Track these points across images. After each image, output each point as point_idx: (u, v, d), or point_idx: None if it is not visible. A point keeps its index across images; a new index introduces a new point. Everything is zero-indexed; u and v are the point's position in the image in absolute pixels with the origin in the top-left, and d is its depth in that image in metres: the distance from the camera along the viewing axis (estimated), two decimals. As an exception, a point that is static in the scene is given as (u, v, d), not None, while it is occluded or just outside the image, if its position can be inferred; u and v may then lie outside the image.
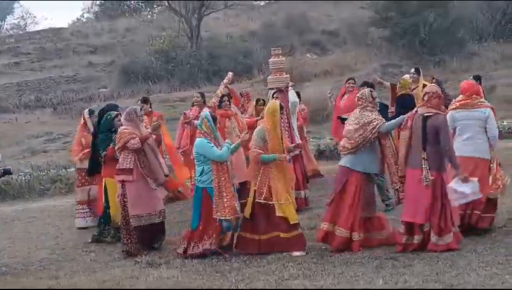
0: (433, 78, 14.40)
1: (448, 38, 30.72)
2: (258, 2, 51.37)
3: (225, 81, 12.47)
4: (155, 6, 46.92)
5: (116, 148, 9.56)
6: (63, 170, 16.98)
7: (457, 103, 9.10)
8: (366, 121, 8.63)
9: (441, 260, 7.83)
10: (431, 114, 8.32)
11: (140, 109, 10.24)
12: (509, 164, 11.40)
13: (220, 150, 8.83)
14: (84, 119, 11.94)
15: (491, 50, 30.59)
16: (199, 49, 34.17)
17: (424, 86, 11.10)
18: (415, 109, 8.69)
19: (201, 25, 35.88)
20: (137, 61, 34.02)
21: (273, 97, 11.19)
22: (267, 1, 50.83)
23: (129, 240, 9.43)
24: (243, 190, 11.12)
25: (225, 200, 8.76)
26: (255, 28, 39.34)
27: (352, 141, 8.65)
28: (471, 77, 14.11)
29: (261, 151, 8.90)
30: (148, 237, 9.60)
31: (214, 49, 34.22)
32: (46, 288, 8.13)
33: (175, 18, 37.23)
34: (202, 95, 12.90)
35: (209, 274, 8.17)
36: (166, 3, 38.13)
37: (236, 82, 28.91)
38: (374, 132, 8.59)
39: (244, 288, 7.51)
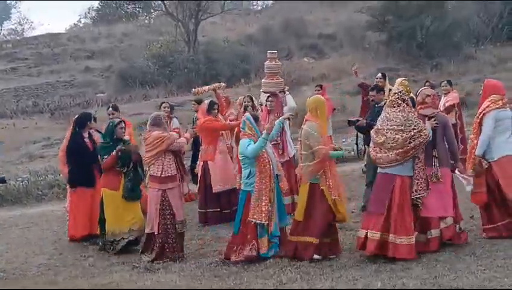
0: (427, 81, 14.61)
1: (445, 42, 30.78)
2: (255, 6, 51.49)
3: (216, 84, 12.48)
4: (152, 11, 46.91)
5: (149, 155, 9.27)
6: (61, 175, 16.91)
7: (500, 103, 8.93)
8: (416, 129, 8.24)
9: (440, 263, 7.84)
10: (434, 113, 8.67)
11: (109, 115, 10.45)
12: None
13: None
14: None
15: (488, 53, 30.62)
16: (196, 54, 34.17)
17: (390, 90, 11.21)
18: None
19: (198, 30, 35.88)
20: (135, 66, 34.00)
21: (267, 101, 11.23)
22: (269, 0, 50.90)
23: (170, 249, 9.21)
24: (233, 196, 11.14)
25: (263, 203, 8.60)
26: (252, 32, 39.36)
27: (403, 153, 8.22)
28: (445, 82, 14.38)
29: (328, 148, 8.64)
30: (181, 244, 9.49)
31: (211, 54, 34.21)
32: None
33: (172, 23, 37.23)
34: (171, 106, 13.58)
35: (208, 278, 8.17)
36: (164, 8, 38.14)
37: (234, 86, 28.97)
38: (426, 142, 8.33)
39: (243, 288, 7.51)
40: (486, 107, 8.90)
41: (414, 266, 7.86)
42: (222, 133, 11.60)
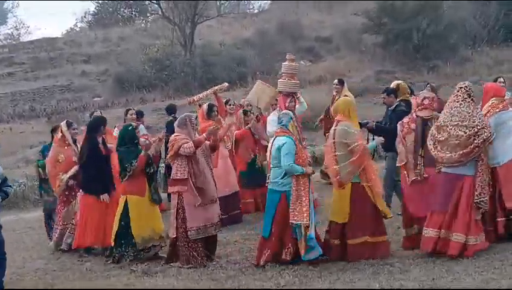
0: (428, 83, 14.56)
1: (442, 44, 30.81)
2: (252, 9, 51.56)
3: (217, 88, 12.43)
4: (148, 14, 46.95)
5: (168, 156, 9.18)
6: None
7: (500, 106, 8.85)
8: (479, 125, 8.17)
9: (437, 266, 7.85)
10: (432, 115, 8.74)
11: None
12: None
13: None
14: (61, 132, 10.78)
15: (485, 55, 30.63)
16: (193, 57, 34.16)
17: (345, 96, 11.37)
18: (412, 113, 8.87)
19: (194, 33, 35.89)
20: (131, 69, 33.98)
21: (289, 102, 11.27)
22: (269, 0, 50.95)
23: (191, 254, 8.92)
24: (233, 200, 11.10)
25: (303, 204, 8.36)
26: (248, 36, 39.37)
27: (466, 153, 8.12)
28: (428, 85, 14.20)
29: (365, 142, 8.54)
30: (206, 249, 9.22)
31: (207, 57, 34.18)
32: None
33: (169, 26, 37.24)
34: (138, 113, 13.41)
35: (205, 282, 8.16)
36: (160, 12, 38.16)
37: (231, 90, 28.97)
38: (490, 141, 8.28)
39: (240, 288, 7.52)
40: (487, 112, 8.82)
41: (412, 268, 7.88)
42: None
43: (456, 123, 8.19)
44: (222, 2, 42.27)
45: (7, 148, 23.16)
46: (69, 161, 10.53)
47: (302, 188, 8.40)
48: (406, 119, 9.02)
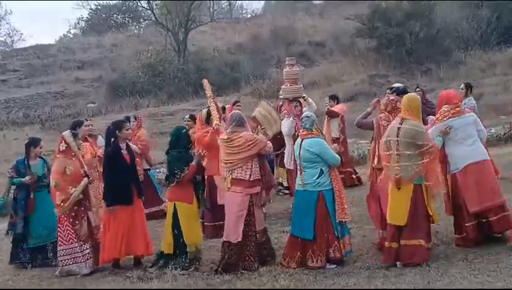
0: (417, 87, 14.66)
1: (434, 48, 30.95)
2: (244, 14, 51.63)
3: (210, 95, 11.96)
4: (142, 21, 47.02)
5: (237, 157, 8.64)
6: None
7: (452, 111, 8.81)
8: None
9: (432, 269, 7.84)
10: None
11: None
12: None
13: None
14: (66, 143, 9.65)
15: (477, 58, 30.75)
16: (186, 63, 34.22)
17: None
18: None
19: (188, 39, 35.95)
20: (125, 75, 34.03)
21: (295, 107, 11.43)
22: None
23: (254, 258, 8.69)
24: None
25: (344, 201, 8.42)
26: (241, 41, 39.45)
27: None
28: (417, 89, 14.19)
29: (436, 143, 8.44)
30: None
31: (201, 63, 34.28)
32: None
33: (162, 32, 37.31)
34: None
35: (201, 288, 8.15)
36: (153, 18, 38.20)
37: (224, 95, 29.01)
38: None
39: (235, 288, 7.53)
40: (436, 119, 8.91)
41: (407, 272, 7.87)
42: None
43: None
44: (215, 8, 42.26)
45: (1, 155, 23.09)
46: (76, 173, 9.57)
47: (339, 185, 8.51)
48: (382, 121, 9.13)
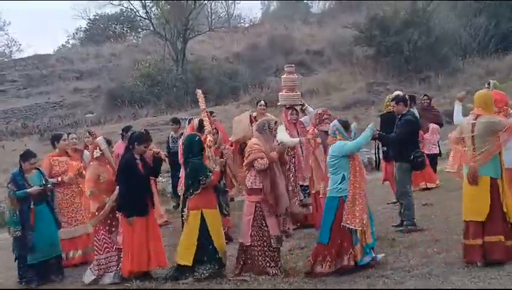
0: (425, 95, 14.89)
1: (433, 55, 30.98)
2: (243, 23, 51.71)
3: (203, 104, 11.85)
4: (140, 30, 47.06)
5: (244, 164, 8.77)
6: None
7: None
8: None
9: (433, 277, 7.82)
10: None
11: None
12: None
13: None
14: (100, 149, 9.44)
15: (476, 66, 30.79)
16: (185, 72, 34.21)
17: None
18: None
19: (186, 48, 35.96)
20: (123, 85, 34.02)
21: (291, 115, 11.53)
22: None
23: (268, 263, 8.61)
24: None
25: (357, 209, 8.32)
26: (239, 50, 39.48)
27: None
28: (425, 97, 14.31)
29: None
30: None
31: (199, 72, 34.29)
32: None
33: (160, 42, 37.31)
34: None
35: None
36: (152, 28, 38.23)
37: (223, 104, 29.01)
38: None
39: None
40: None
41: (407, 279, 7.84)
42: None
43: None
44: (213, 17, 42.26)
45: (0, 166, 23.08)
46: (110, 180, 9.34)
47: (358, 192, 8.41)
48: (309, 136, 10.05)
